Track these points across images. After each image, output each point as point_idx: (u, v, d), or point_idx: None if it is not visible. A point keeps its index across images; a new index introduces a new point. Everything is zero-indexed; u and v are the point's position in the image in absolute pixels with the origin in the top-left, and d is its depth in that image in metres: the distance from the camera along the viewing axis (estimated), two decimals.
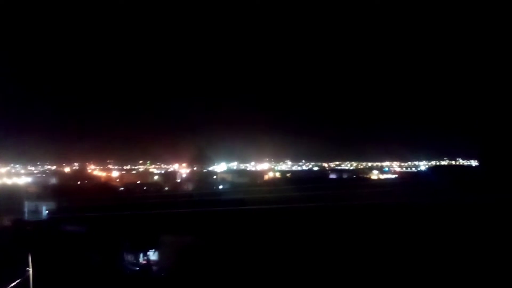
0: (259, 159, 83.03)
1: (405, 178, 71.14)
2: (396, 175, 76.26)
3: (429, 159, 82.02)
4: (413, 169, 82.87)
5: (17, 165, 73.30)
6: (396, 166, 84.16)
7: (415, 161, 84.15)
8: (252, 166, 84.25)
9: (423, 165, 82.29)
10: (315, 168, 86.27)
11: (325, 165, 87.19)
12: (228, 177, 69.99)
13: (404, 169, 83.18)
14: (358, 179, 73.70)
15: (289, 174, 78.27)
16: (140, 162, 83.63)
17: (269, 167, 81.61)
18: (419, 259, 20.38)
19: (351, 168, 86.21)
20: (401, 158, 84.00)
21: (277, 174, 76.48)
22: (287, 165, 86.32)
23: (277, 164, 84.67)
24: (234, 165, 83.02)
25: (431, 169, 76.18)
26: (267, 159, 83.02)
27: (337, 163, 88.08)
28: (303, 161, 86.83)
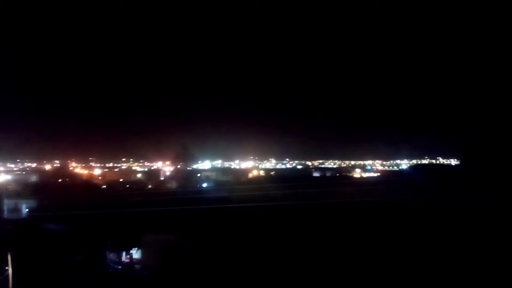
0: (243, 157, 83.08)
1: (388, 177, 72.19)
2: (379, 174, 77.40)
3: (410, 158, 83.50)
4: (395, 167, 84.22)
5: None
6: (378, 164, 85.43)
7: (397, 159, 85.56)
8: (236, 164, 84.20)
9: (404, 164, 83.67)
10: (299, 167, 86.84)
11: (309, 163, 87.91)
12: (212, 175, 69.84)
13: (386, 167, 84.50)
14: (341, 177, 74.48)
15: (273, 172, 78.60)
16: (123, 159, 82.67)
17: (253, 165, 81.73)
18: (402, 257, 20.74)
19: (334, 166, 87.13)
20: (383, 157, 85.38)
21: (261, 172, 76.67)
22: (271, 163, 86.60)
23: (262, 162, 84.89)
24: (218, 163, 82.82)
25: (413, 167, 77.59)
26: (251, 157, 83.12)
27: (321, 161, 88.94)
28: (287, 159, 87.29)
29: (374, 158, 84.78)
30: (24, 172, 69.76)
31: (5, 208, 36.72)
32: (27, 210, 37.10)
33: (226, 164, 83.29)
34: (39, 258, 20.97)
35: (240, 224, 29.92)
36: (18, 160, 74.77)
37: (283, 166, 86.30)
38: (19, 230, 29.26)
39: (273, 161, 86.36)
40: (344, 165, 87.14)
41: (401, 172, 78.39)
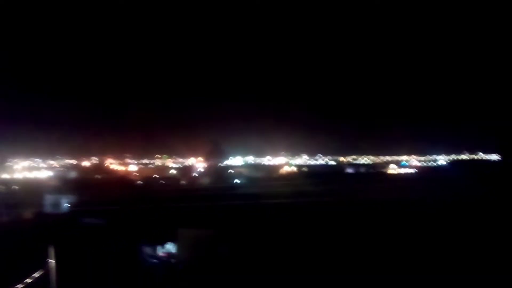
0: (275, 153, 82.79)
1: (425, 173, 70.11)
2: (415, 170, 75.21)
3: (448, 153, 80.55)
4: (432, 163, 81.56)
5: (38, 159, 74.70)
6: (414, 160, 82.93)
7: (434, 155, 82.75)
8: (268, 160, 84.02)
9: (442, 159, 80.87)
10: (332, 163, 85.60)
11: (342, 159, 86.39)
12: (244, 171, 70.00)
13: (422, 163, 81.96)
14: (375, 173, 72.98)
15: (305, 168, 77.91)
16: (157, 156, 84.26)
17: (285, 161, 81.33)
18: (437, 255, 20.08)
19: (368, 162, 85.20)
20: (419, 152, 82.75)
21: (293, 168, 76.17)
22: (303, 159, 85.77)
23: (293, 158, 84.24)
24: (250, 159, 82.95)
25: (453, 163, 74.91)
26: (283, 153, 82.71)
27: (354, 157, 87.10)
28: (320, 155, 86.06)
29: (409, 153, 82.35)
30: (64, 169, 72.49)
31: (46, 203, 38.27)
32: (67, 205, 38.51)
33: (258, 160, 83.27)
34: (78, 251, 21.61)
35: (271, 220, 29.82)
36: (58, 157, 77.76)
37: (315, 162, 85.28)
38: (60, 224, 30.39)
39: (305, 157, 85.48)
40: (379, 160, 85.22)
41: (439, 168, 75.92)
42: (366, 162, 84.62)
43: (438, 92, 77.54)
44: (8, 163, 67.02)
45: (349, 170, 75.96)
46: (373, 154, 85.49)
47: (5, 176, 61.11)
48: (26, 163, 71.94)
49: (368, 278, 18.23)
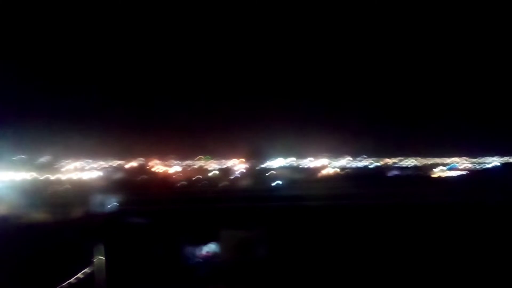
0: (316, 155, 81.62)
1: (475, 176, 66.73)
2: (465, 172, 71.68)
3: (501, 155, 75.94)
4: (484, 165, 77.26)
5: (86, 160, 78.05)
6: (463, 162, 78.88)
7: (486, 157, 78.27)
8: (309, 161, 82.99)
9: (495, 162, 76.40)
10: (376, 164, 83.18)
11: (387, 161, 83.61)
12: (284, 173, 69.63)
13: (473, 165, 77.83)
14: (422, 176, 70.34)
15: (347, 170, 76.34)
16: (199, 157, 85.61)
17: (327, 163, 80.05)
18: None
19: (414, 164, 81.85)
20: (470, 154, 78.47)
21: (335, 170, 74.87)
22: (345, 161, 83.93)
23: (335, 160, 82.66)
24: (290, 161, 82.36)
25: (506, 166, 70.71)
26: (325, 154, 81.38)
27: (400, 159, 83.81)
28: (363, 156, 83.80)
29: (459, 155, 78.36)
30: (111, 169, 75.36)
31: (94, 202, 39.90)
32: (114, 204, 39.98)
33: (299, 162, 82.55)
34: (124, 249, 22.30)
35: (311, 223, 29.49)
36: (107, 158, 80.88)
37: (359, 164, 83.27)
38: (107, 223, 31.56)
39: (348, 158, 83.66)
40: (426, 162, 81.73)
41: (491, 170, 71.89)
42: (412, 164, 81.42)
43: (492, 91, 73.20)
44: (60, 164, 70.59)
45: (395, 172, 73.56)
46: (420, 156, 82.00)
47: (59, 176, 64.40)
48: (77, 163, 75.36)
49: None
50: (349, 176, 68.48)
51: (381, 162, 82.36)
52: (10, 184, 50.44)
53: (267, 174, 69.26)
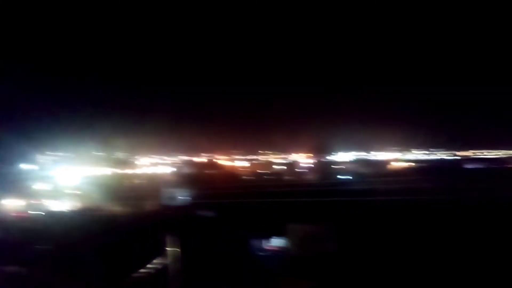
0: (383, 148, 78.59)
1: None
2: None
3: None
4: None
5: (157, 156, 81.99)
6: None
7: None
8: (375, 155, 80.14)
9: None
10: (449, 157, 78.12)
11: (466, 153, 77.82)
12: (350, 167, 67.98)
13: None
14: (501, 169, 64.82)
15: (418, 163, 72.56)
16: (263, 152, 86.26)
17: (395, 156, 76.77)
18: None
19: (495, 156, 75.35)
20: None
21: (404, 164, 71.55)
22: (415, 154, 79.87)
23: (405, 153, 78.98)
24: (356, 154, 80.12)
25: None
26: (393, 147, 78.06)
27: (480, 151, 77.44)
28: (435, 148, 79.07)
29: None
30: (181, 165, 78.57)
31: (165, 196, 41.78)
32: (183, 198, 41.60)
33: (365, 155, 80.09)
34: (194, 241, 23.05)
35: (378, 218, 28.46)
36: (174, 154, 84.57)
37: (430, 157, 78.77)
38: (177, 216, 32.89)
39: (419, 151, 79.48)
40: (504, 155, 75.03)
41: None
42: (497, 156, 74.90)
43: None
44: (136, 159, 74.92)
45: (469, 166, 68.57)
46: (505, 148, 75.03)
47: (134, 171, 68.44)
48: (150, 159, 79.47)
49: None
50: (423, 170, 65.04)
51: (459, 154, 76.93)
52: (90, 179, 54.38)
53: (334, 168, 67.98)
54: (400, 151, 78.12)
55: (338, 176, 60.75)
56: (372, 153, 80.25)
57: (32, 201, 39.54)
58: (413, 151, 79.10)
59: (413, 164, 72.12)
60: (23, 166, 57.27)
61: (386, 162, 73.99)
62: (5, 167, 50.45)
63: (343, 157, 75.89)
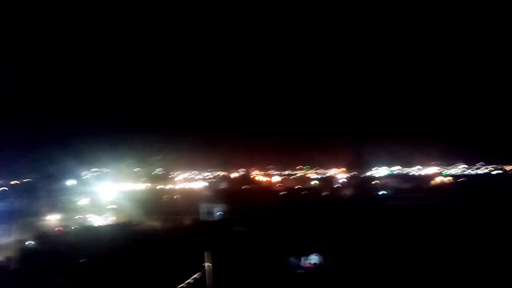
0: (425, 163, 75.83)
1: None
2: None
3: None
4: None
5: (193, 171, 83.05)
6: None
7: None
8: (417, 170, 77.45)
9: None
10: (496, 172, 74.20)
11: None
12: (390, 182, 65.93)
13: None
14: None
15: (462, 179, 69.31)
16: (299, 167, 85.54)
17: (437, 171, 73.79)
18: None
19: None
20: None
21: (448, 179, 68.55)
22: (459, 169, 76.47)
23: (447, 168, 75.82)
24: (396, 169, 77.79)
25: None
26: (435, 162, 75.15)
27: None
28: (481, 163, 75.34)
29: None
30: (215, 180, 79.11)
31: (201, 211, 42.00)
32: (219, 213, 41.64)
33: (406, 170, 77.54)
34: (229, 255, 22.82)
35: (421, 234, 27.26)
36: (210, 169, 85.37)
37: (475, 172, 75.08)
38: (213, 231, 32.84)
39: (463, 166, 76.00)
40: None
41: None
42: None
43: None
44: (171, 175, 76.20)
45: None
46: None
47: (169, 186, 69.50)
48: (185, 174, 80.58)
49: None
50: (465, 185, 62.10)
51: (503, 169, 73.17)
52: (128, 194, 55.65)
53: (371, 184, 66.21)
54: (443, 166, 75.22)
55: (375, 192, 59.05)
56: (412, 168, 77.79)
57: (74, 216, 40.82)
58: (457, 166, 75.93)
59: (460, 179, 69.03)
60: (69, 182, 59.53)
61: (429, 177, 71.36)
62: (52, 183, 52.62)
63: (381, 172, 73.92)
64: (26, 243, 28.64)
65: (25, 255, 25.30)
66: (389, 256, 23.07)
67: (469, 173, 73.96)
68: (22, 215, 34.19)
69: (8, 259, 25.11)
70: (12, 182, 61.51)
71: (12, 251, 26.08)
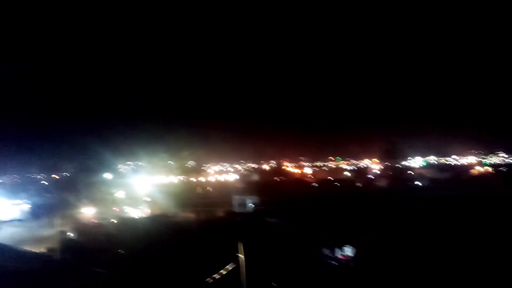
0: (462, 152, 73.25)
1: None
2: None
3: None
4: None
5: (226, 164, 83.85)
6: None
7: None
8: (454, 159, 74.93)
9: None
10: None
11: None
12: (426, 172, 64.18)
13: None
14: None
15: (504, 168, 66.40)
16: (330, 158, 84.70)
17: (476, 160, 71.11)
18: None
19: None
20: None
21: (487, 168, 65.91)
22: (500, 158, 73.37)
23: (487, 157, 72.89)
24: (431, 159, 75.58)
25: None
26: (473, 151, 72.44)
27: None
28: None
29: None
30: (247, 172, 79.65)
31: (234, 203, 42.31)
32: (251, 204, 41.80)
33: (442, 160, 75.15)
34: (262, 247, 22.82)
35: (456, 225, 26.35)
36: (242, 161, 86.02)
37: None
38: (246, 222, 32.98)
39: (503, 154, 72.74)
40: None
41: None
42: None
43: None
44: (203, 168, 77.26)
45: None
46: None
47: (201, 179, 70.53)
48: (217, 167, 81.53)
49: None
50: (505, 175, 59.51)
51: None
52: (162, 186, 56.83)
53: (405, 174, 64.65)
54: (482, 155, 72.40)
55: (410, 182, 57.58)
56: (448, 158, 75.35)
57: (111, 208, 42.06)
58: (498, 155, 72.85)
59: (500, 168, 66.23)
60: (105, 175, 61.48)
61: (467, 167, 68.88)
62: (90, 177, 54.51)
63: (416, 162, 72.02)
64: (67, 234, 29.79)
65: (66, 246, 26.28)
66: (426, 250, 22.42)
67: (509, 162, 70.93)
68: (62, 208, 35.55)
69: (50, 250, 26.22)
70: (53, 176, 64.31)
71: (54, 242, 27.19)
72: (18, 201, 39.52)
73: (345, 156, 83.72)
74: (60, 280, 16.27)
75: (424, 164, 72.89)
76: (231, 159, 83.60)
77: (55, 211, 33.20)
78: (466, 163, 71.59)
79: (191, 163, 74.12)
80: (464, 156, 73.39)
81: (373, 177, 66.19)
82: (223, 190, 53.80)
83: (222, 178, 73.70)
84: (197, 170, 73.32)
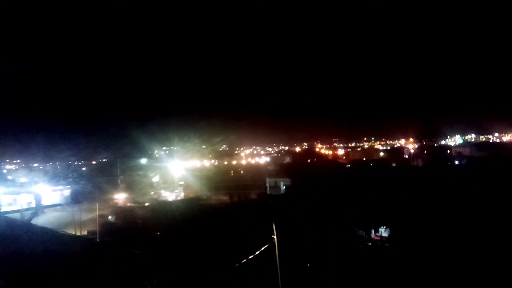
0: (505, 130, 69.88)
1: None
2: None
3: None
4: None
5: (258, 147, 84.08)
6: None
7: None
8: (496, 137, 71.63)
9: None
10: None
11: None
12: (465, 151, 61.74)
13: None
14: None
15: None
16: (365, 139, 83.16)
17: None
18: None
19: None
20: None
21: None
22: None
23: None
24: (471, 137, 72.56)
25: None
26: None
27: None
28: None
29: None
30: (279, 154, 79.51)
31: (267, 185, 42.48)
32: (284, 187, 41.80)
33: (482, 138, 71.95)
34: (296, 229, 22.81)
35: (499, 207, 25.15)
36: (274, 144, 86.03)
37: None
38: (279, 204, 33.00)
39: None
40: None
41: None
42: None
43: None
44: (236, 151, 77.83)
45: None
46: None
47: (235, 162, 71.13)
48: (249, 151, 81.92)
49: None
50: None
51: None
52: (196, 171, 57.74)
53: (442, 154, 62.55)
54: None
55: (448, 162, 55.59)
56: (489, 136, 72.08)
57: (148, 192, 43.23)
58: None
59: None
60: (143, 160, 63.12)
61: (508, 145, 65.71)
62: (127, 162, 56.05)
63: (455, 140, 69.47)
64: (106, 218, 30.90)
65: (105, 229, 27.28)
66: (464, 234, 21.64)
67: None
68: (100, 193, 36.81)
69: (91, 233, 27.34)
70: (93, 162, 66.79)
71: (94, 225, 28.30)
72: (60, 187, 41.25)
73: (379, 137, 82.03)
74: (100, 261, 16.93)
75: (463, 142, 70.13)
76: (264, 143, 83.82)
77: (94, 196, 34.43)
78: (509, 140, 68.30)
79: (224, 147, 74.90)
80: (508, 133, 70.10)
81: (408, 157, 64.47)
82: (256, 173, 54.03)
83: (255, 161, 74.03)
84: (231, 154, 74.00)
